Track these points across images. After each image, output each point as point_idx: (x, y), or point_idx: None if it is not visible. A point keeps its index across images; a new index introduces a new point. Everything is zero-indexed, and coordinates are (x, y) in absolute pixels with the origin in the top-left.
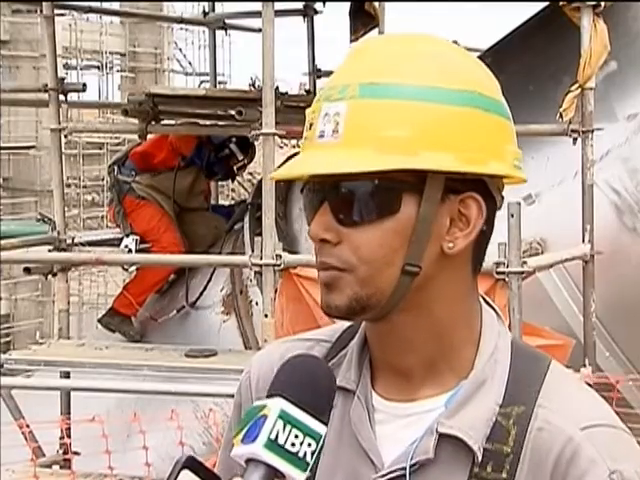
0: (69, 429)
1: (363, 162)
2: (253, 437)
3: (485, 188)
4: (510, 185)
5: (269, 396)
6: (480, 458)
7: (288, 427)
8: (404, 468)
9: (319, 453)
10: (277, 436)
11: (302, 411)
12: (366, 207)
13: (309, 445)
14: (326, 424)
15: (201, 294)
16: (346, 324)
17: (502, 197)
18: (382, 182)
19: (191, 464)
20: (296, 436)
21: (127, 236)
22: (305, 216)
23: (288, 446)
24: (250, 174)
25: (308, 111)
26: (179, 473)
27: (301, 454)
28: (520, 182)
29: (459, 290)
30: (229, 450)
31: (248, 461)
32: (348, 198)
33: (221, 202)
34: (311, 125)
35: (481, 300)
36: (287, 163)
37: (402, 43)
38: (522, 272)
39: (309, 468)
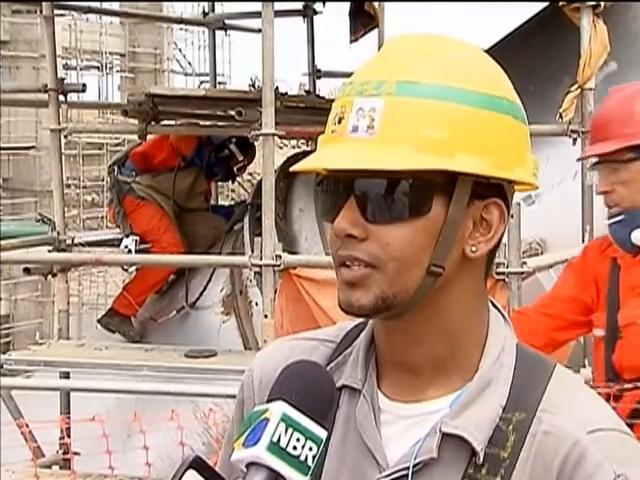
0: (69, 429)
1: (402, 160)
2: (255, 440)
3: (504, 194)
4: (522, 191)
5: (270, 400)
6: (482, 459)
7: (290, 430)
8: (408, 468)
9: (320, 458)
10: (279, 439)
11: (304, 415)
12: (398, 205)
13: (310, 449)
14: (327, 429)
15: (201, 294)
16: (352, 324)
17: (512, 203)
18: (416, 181)
19: (198, 464)
20: (298, 440)
21: (127, 236)
22: (322, 210)
23: (290, 449)
24: (250, 174)
25: (335, 104)
26: (185, 473)
27: (302, 458)
28: (533, 189)
29: (473, 293)
30: (231, 449)
31: (249, 465)
32: (380, 195)
33: (221, 202)
34: (340, 119)
35: (489, 303)
36: (312, 155)
37: (434, 43)
38: (522, 272)
39: (310, 472)
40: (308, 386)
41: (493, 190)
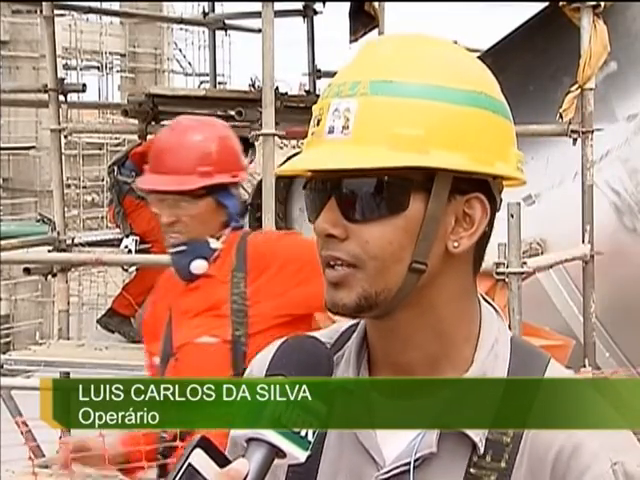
0: (69, 429)
1: (376, 158)
2: None
3: (488, 189)
4: (510, 187)
5: (269, 376)
6: (482, 450)
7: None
8: (407, 464)
9: (320, 432)
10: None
11: None
12: (376, 203)
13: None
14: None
15: None
16: (346, 325)
17: (501, 199)
18: (392, 179)
19: (204, 444)
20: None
21: (127, 236)
22: (308, 212)
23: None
24: (250, 174)
25: (315, 107)
26: (192, 452)
27: (303, 433)
28: (520, 184)
29: (461, 288)
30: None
31: (249, 441)
32: (357, 194)
33: None
34: (319, 121)
35: (480, 298)
36: (293, 159)
37: (411, 43)
38: (522, 273)
39: (310, 447)
40: (306, 360)
41: (475, 185)
